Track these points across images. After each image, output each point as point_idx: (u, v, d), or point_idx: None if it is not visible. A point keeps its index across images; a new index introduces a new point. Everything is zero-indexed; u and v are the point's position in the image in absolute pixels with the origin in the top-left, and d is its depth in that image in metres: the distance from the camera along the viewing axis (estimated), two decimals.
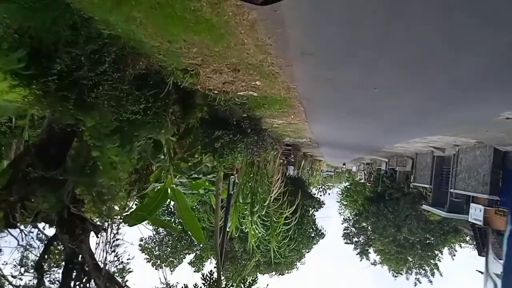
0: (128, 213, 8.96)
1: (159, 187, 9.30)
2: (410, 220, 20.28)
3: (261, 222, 12.39)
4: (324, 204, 24.22)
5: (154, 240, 28.59)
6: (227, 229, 12.21)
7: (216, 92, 7.17)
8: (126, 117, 6.38)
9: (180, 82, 6.25)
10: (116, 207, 9.37)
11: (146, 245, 28.52)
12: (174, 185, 9.62)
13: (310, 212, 23.80)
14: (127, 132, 6.61)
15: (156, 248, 28.42)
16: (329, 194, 64.28)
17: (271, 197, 11.93)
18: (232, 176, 9.90)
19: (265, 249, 13.89)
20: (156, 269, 28.61)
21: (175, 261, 28.52)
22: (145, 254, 28.77)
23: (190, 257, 28.23)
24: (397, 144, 16.55)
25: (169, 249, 28.53)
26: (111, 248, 8.12)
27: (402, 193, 23.76)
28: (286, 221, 13.77)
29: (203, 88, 6.89)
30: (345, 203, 45.98)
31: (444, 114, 8.62)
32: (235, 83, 6.58)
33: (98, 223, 7.74)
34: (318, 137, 18.56)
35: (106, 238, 7.67)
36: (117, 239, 8.32)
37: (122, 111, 6.19)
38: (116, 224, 8.55)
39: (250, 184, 12.00)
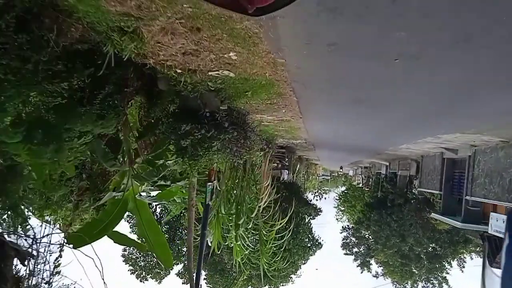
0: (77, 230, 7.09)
1: (118, 197, 7.43)
2: (416, 229, 18.43)
3: (248, 236, 10.51)
4: (321, 212, 22.35)
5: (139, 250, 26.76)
6: (209, 245, 10.33)
7: (179, 71, 5.31)
8: (47, 103, 4.53)
9: (122, 52, 4.38)
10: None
11: (130, 255, 26.66)
12: (138, 195, 7.77)
13: (306, 220, 21.93)
14: (51, 124, 4.76)
15: (141, 259, 26.56)
16: (325, 198, 62.83)
17: (259, 206, 10.05)
18: (210, 183, 8.02)
19: (254, 265, 11.99)
20: (141, 281, 26.75)
21: (161, 272, 26.63)
22: (129, 265, 26.88)
23: (178, 267, 26.33)
24: (404, 145, 14.75)
25: (155, 260, 26.65)
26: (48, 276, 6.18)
27: (404, 199, 21.99)
28: (279, 234, 11.91)
29: (159, 63, 5.03)
30: (342, 208, 44.27)
31: (473, 105, 6.81)
32: (200, 55, 4.73)
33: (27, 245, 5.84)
34: (314, 137, 16.71)
35: (35, 265, 5.74)
36: (58, 265, 6.38)
37: (38, 93, 4.36)
38: (58, 245, 6.63)
39: (235, 191, 10.14)
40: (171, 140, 6.42)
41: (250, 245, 11.11)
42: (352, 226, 24.53)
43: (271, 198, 15.70)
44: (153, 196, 7.85)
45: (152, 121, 7.03)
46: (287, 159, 28.21)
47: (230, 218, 10.11)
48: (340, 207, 44.68)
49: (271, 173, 28.84)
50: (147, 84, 6.84)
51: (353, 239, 22.79)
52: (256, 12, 1.69)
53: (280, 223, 11.01)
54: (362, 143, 17.08)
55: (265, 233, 10.89)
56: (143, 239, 7.43)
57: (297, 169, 37.81)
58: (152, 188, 8.21)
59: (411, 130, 10.73)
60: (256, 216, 10.52)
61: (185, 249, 13.51)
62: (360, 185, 45.54)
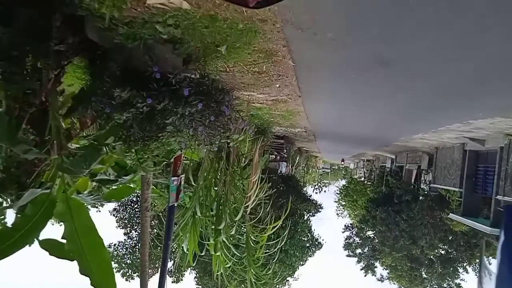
0: None
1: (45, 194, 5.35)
2: (428, 231, 16.36)
3: (233, 243, 8.45)
4: (321, 208, 20.29)
5: (126, 246, 24.87)
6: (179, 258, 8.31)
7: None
8: None
9: None
10: None
11: (116, 252, 24.75)
12: (75, 193, 5.72)
13: (305, 217, 19.88)
14: None
15: (128, 256, 24.65)
16: (325, 191, 60.87)
17: (246, 206, 8.00)
18: (175, 178, 5.93)
19: (240, 278, 9.96)
20: (127, 280, 24.82)
21: (150, 270, 24.64)
22: (115, 262, 24.93)
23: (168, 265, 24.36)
24: (419, 134, 12.63)
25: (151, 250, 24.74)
26: None
27: (413, 195, 19.93)
28: (272, 238, 9.86)
29: None
30: (343, 203, 42.22)
31: None
32: None
33: None
34: (315, 125, 14.59)
35: None
36: None
37: None
38: None
39: (216, 188, 8.07)
40: (105, 114, 4.32)
41: (236, 253, 9.08)
42: (356, 225, 22.43)
43: (262, 195, 13.64)
44: (98, 195, 5.74)
45: (85, 89, 4.93)
46: (285, 151, 26.12)
47: (210, 221, 8.05)
48: (341, 201, 42.60)
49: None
50: (89, 41, 4.74)
51: (357, 239, 20.73)
52: (257, 5, 1.74)
53: (273, 227, 8.91)
54: (370, 132, 14.96)
55: (254, 238, 8.81)
56: (75, 254, 5.31)
57: (297, 161, 35.72)
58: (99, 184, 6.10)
59: (438, 112, 8.61)
60: (242, 219, 8.44)
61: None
62: (362, 178, 43.49)
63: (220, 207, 7.91)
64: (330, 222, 41.92)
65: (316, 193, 58.39)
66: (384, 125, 12.49)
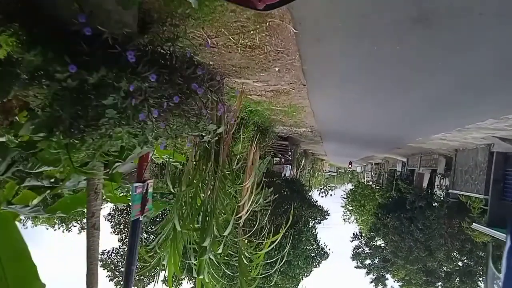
0: None
1: None
2: (445, 240, 14.79)
3: (222, 262, 7.02)
4: (328, 215, 18.75)
5: (120, 253, 23.54)
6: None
7: None
8: None
9: None
10: None
11: (109, 259, 23.47)
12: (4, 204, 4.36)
13: (310, 224, 18.37)
14: None
15: (122, 265, 23.27)
16: (331, 195, 59.31)
17: (239, 218, 6.59)
18: (139, 184, 4.50)
19: None
20: None
21: (145, 279, 23.37)
22: (107, 270, 23.64)
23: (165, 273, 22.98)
24: (440, 133, 11.13)
25: (138, 264, 23.30)
26: None
27: (426, 201, 18.40)
28: (273, 248, 8.39)
29: None
30: (350, 208, 40.60)
31: None
32: None
33: None
34: (322, 123, 13.12)
35: None
36: None
37: None
38: None
39: (202, 196, 6.67)
40: (13, 88, 2.92)
41: (228, 273, 7.70)
42: (365, 234, 20.80)
43: (260, 202, 12.27)
44: (38, 207, 4.32)
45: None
46: (290, 153, 24.66)
47: (195, 236, 6.64)
48: (348, 206, 40.98)
49: (272, 168, 25.28)
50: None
51: (366, 248, 19.12)
52: (266, 8, 1.75)
53: (272, 241, 7.44)
54: (383, 132, 13.49)
55: (248, 256, 7.35)
56: None
57: (302, 164, 34.23)
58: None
59: (469, 108, 7.15)
60: (233, 233, 7.00)
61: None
62: (370, 183, 41.85)
63: (207, 218, 6.47)
64: (337, 228, 40.39)
65: (322, 196, 56.97)
66: (401, 123, 11.03)
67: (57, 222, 23.89)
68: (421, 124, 10.54)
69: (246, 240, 7.41)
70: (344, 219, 41.06)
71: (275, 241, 7.66)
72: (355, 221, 38.90)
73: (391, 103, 8.45)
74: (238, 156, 7.17)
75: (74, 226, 25.08)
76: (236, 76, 6.44)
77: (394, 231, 16.51)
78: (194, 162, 6.72)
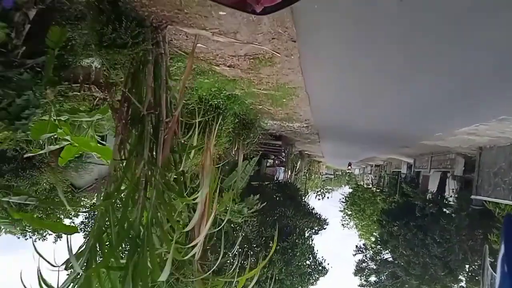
0: None
1: None
2: (467, 257, 12.34)
3: None
4: (327, 224, 16.29)
5: None
6: None
7: None
8: None
9: None
10: None
11: None
12: None
13: (306, 234, 15.91)
14: None
15: None
16: (327, 198, 56.96)
17: (190, 247, 4.09)
18: None
19: None
20: None
21: None
22: None
23: None
24: (472, 125, 8.72)
25: None
26: None
27: (437, 207, 16.06)
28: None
29: None
30: (349, 212, 38.17)
31: None
32: None
33: None
34: (319, 115, 10.65)
35: None
36: None
37: None
38: None
39: (132, 213, 4.18)
40: None
41: None
42: (370, 245, 18.22)
43: (242, 214, 10.06)
44: None
45: None
46: (284, 154, 22.21)
47: (118, 278, 4.17)
48: (346, 210, 38.54)
49: (265, 171, 22.83)
50: None
51: (371, 263, 16.52)
52: (263, 11, 1.76)
53: (249, 275, 4.94)
54: (392, 127, 11.11)
55: None
56: None
57: (297, 166, 31.77)
58: None
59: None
60: (189, 269, 4.55)
61: None
62: (370, 186, 39.45)
63: (138, 250, 4.00)
64: (335, 236, 38.05)
65: (319, 199, 54.54)
66: (417, 115, 8.73)
67: None
68: (445, 114, 8.21)
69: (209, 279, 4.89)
70: (342, 224, 38.60)
71: (254, 274, 5.16)
72: (354, 226, 36.51)
73: (409, 86, 6.15)
74: (193, 154, 4.68)
75: None
76: (183, 23, 3.99)
77: (404, 243, 14.03)
78: (121, 161, 4.26)
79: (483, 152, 11.93)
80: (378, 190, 33.78)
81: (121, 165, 4.23)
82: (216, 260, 4.83)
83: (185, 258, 4.22)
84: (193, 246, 4.24)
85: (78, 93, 4.71)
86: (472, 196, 12.78)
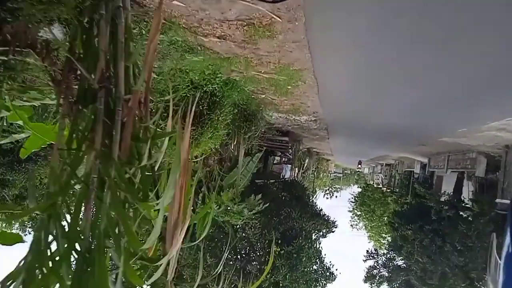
0: None
1: None
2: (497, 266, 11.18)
3: None
4: (336, 226, 15.21)
5: None
6: None
7: None
8: None
9: None
10: None
11: None
12: None
13: (313, 237, 14.83)
14: None
15: None
16: (336, 197, 55.87)
17: (152, 267, 2.98)
18: None
19: None
20: None
21: None
22: None
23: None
24: (495, 122, 7.61)
25: None
26: None
27: (455, 210, 14.86)
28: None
29: None
30: (358, 213, 36.98)
31: None
32: None
33: None
34: (329, 108, 9.56)
35: None
36: None
37: None
38: None
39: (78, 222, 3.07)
40: None
41: None
42: (380, 248, 17.09)
43: (243, 216, 9.20)
44: None
45: None
46: (291, 151, 21.13)
47: None
48: (355, 211, 37.36)
49: (272, 169, 21.74)
50: None
51: (383, 270, 15.33)
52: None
53: None
54: (410, 122, 9.99)
55: None
56: None
57: (305, 164, 30.67)
58: None
59: None
60: None
61: None
62: (380, 185, 38.16)
63: (83, 273, 2.94)
64: (343, 236, 36.70)
65: (327, 198, 53.42)
66: (441, 108, 7.60)
67: None
68: (472, 107, 7.10)
69: None
70: (351, 225, 37.43)
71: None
72: (364, 227, 35.28)
73: (432, 76, 5.06)
74: (166, 143, 3.62)
75: None
76: None
77: (420, 249, 12.89)
78: (67, 151, 3.23)
79: (511, 151, 10.76)
80: (388, 190, 32.59)
81: (66, 157, 3.20)
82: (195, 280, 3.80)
83: (152, 280, 3.20)
84: (161, 264, 3.21)
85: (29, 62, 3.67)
86: (497, 200, 11.61)
